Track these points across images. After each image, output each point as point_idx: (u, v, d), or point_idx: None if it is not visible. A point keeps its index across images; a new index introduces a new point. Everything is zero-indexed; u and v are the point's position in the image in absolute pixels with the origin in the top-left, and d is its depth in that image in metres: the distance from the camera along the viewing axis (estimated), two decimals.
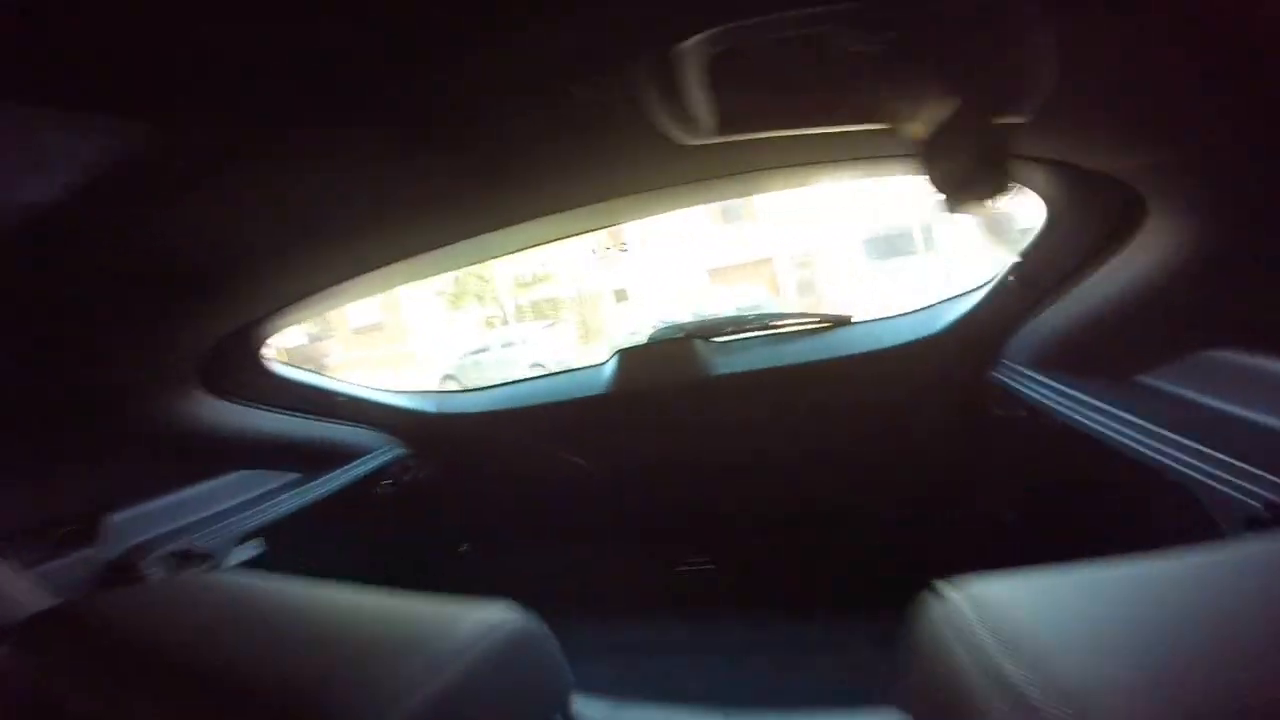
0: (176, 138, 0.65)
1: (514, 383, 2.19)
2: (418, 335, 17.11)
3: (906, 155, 1.06)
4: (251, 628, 0.77)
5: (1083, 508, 1.46)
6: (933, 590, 0.50)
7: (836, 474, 1.79)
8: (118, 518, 1.37)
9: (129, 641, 0.80)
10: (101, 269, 0.96)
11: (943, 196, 0.52)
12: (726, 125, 0.47)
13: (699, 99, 0.44)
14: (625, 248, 15.46)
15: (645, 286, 15.42)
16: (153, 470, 1.51)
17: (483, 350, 13.42)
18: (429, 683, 0.59)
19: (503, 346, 13.16)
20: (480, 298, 16.93)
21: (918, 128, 0.46)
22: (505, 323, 16.43)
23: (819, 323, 1.80)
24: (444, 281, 16.26)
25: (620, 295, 16.11)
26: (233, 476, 1.65)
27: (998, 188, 0.45)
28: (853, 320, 1.78)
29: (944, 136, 0.44)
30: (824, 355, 1.71)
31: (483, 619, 0.62)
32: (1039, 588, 0.47)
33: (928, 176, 0.51)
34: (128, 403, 1.36)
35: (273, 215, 0.94)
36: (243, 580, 0.93)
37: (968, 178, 0.46)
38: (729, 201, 14.13)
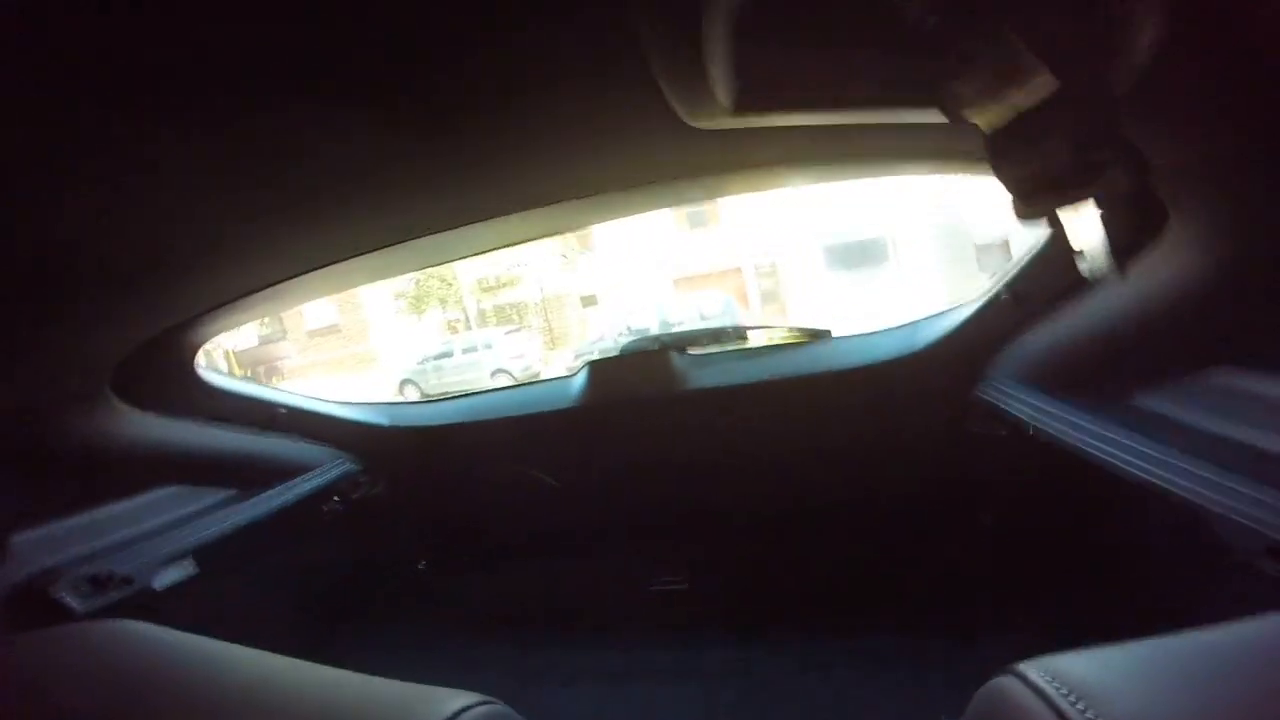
0: (89, 111, 0.53)
1: (475, 394, 2.08)
2: (377, 338, 16.72)
3: (957, 150, 1.00)
4: (166, 705, 0.64)
5: (1073, 530, 1.43)
6: (1008, 670, 0.44)
7: (815, 492, 1.74)
8: (26, 537, 1.22)
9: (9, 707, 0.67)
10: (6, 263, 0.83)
11: (1015, 202, 0.44)
12: (743, 106, 0.38)
13: (715, 72, 0.36)
14: (597, 252, 15.39)
15: (612, 292, 15.38)
16: (69, 488, 1.36)
17: (444, 355, 13.17)
18: None
19: (465, 351, 12.93)
20: (443, 301, 16.60)
21: (985, 117, 0.38)
22: (468, 327, 16.13)
23: (798, 337, 1.74)
24: (405, 284, 15.91)
25: (588, 300, 16.03)
26: (161, 493, 1.50)
27: (1090, 189, 0.37)
28: (832, 335, 1.73)
29: (1026, 127, 0.37)
30: (803, 370, 1.66)
31: (441, 711, 0.52)
32: (1123, 663, 0.42)
33: (998, 176, 0.43)
34: (39, 414, 1.21)
35: (206, 202, 0.81)
36: (160, 638, 0.79)
37: (1053, 178, 0.38)
38: (694, 208, 14.26)
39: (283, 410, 1.69)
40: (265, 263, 1.12)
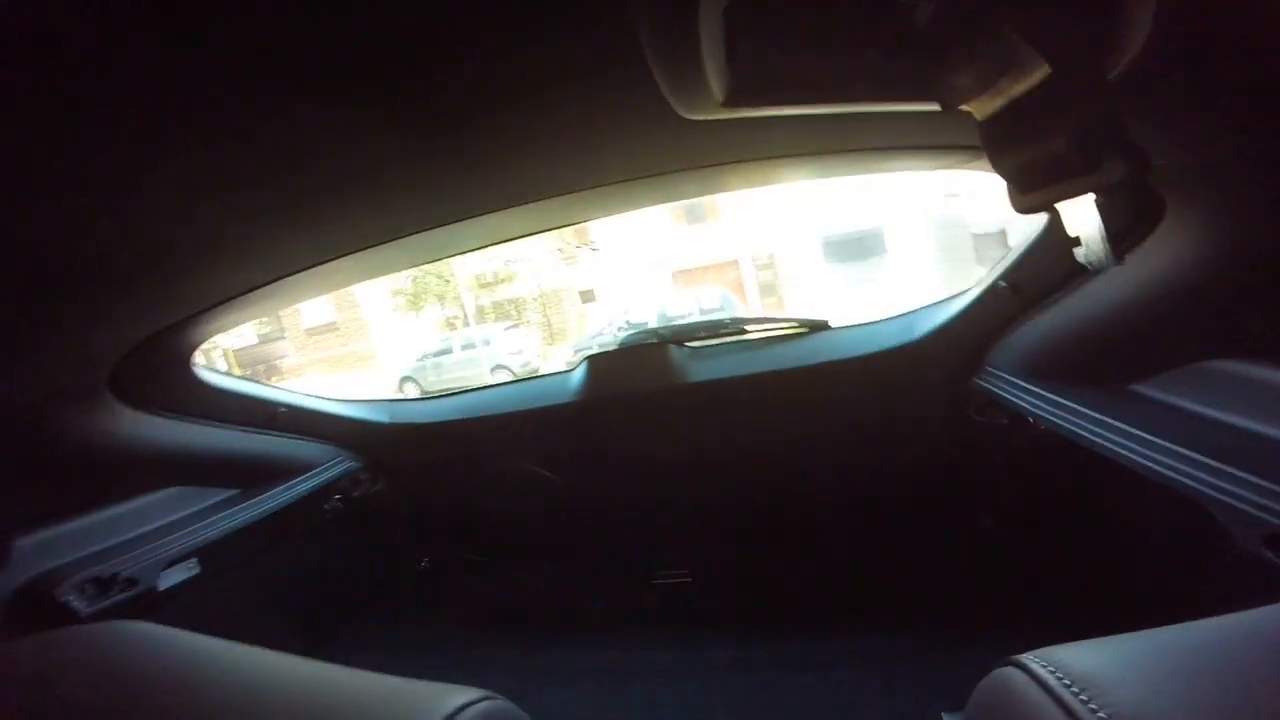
0: (90, 111, 0.53)
1: (475, 390, 2.08)
2: (375, 336, 16.69)
3: (953, 144, 1.00)
4: (171, 703, 0.65)
5: (1072, 521, 1.43)
6: (1010, 661, 0.45)
7: (813, 484, 1.74)
8: (30, 540, 1.23)
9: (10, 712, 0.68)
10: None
11: (1012, 193, 0.44)
12: (734, 98, 0.38)
13: (709, 62, 0.35)
14: (595, 247, 15.37)
15: (610, 287, 15.37)
16: (71, 490, 1.36)
17: (443, 352, 13.16)
18: None
19: (464, 348, 12.93)
20: (441, 298, 16.56)
21: (981, 106, 0.38)
22: (466, 323, 16.11)
23: (796, 328, 1.75)
24: (402, 281, 15.88)
25: (586, 296, 16.03)
26: (163, 494, 1.51)
27: (1088, 179, 0.37)
28: (830, 325, 1.73)
29: (1021, 117, 0.36)
30: (801, 361, 1.66)
31: (444, 707, 0.52)
32: (1124, 654, 0.42)
33: (994, 166, 0.43)
34: (37, 415, 1.21)
35: (205, 201, 0.81)
36: (165, 638, 0.79)
37: (1050, 168, 0.38)
38: (692, 202, 14.25)
39: (282, 409, 1.69)
40: (263, 261, 1.12)
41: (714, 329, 1.83)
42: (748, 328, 1.81)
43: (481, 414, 1.91)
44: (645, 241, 14.71)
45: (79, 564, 1.25)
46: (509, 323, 14.83)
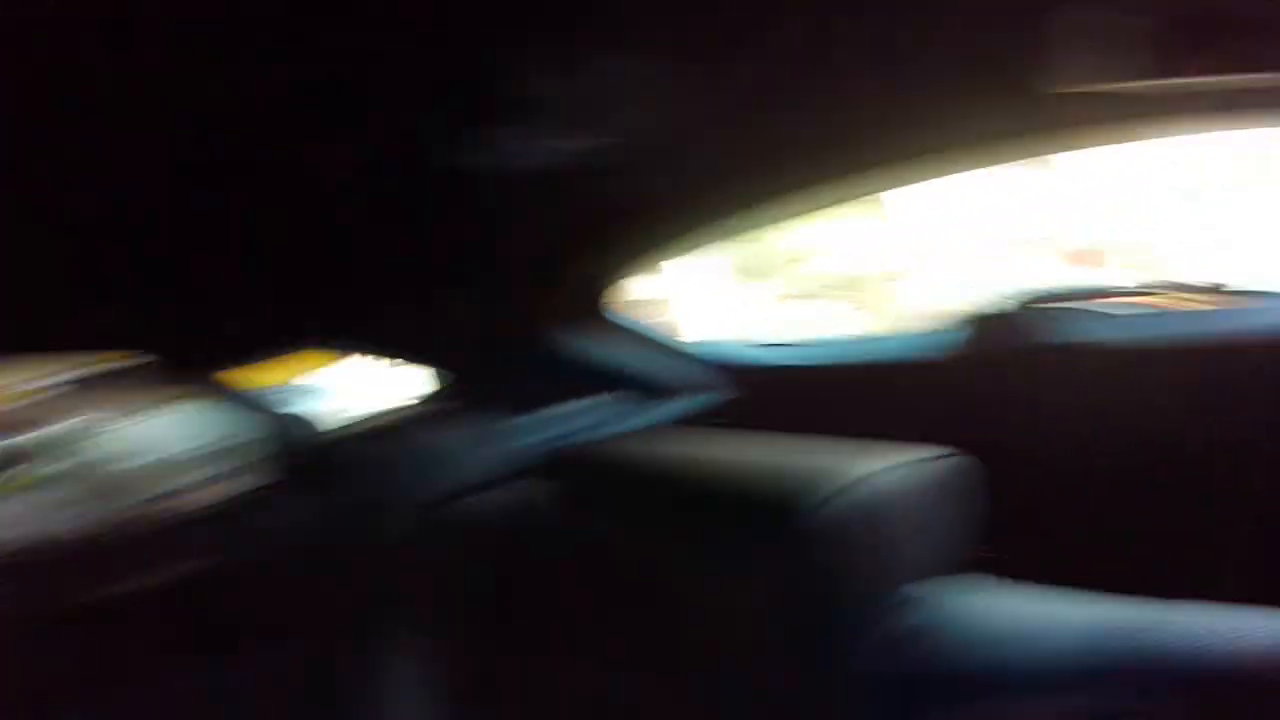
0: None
1: (842, 341, 2.20)
2: (687, 311, 17.83)
3: None
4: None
5: None
6: None
7: (1212, 479, 1.43)
8: (509, 423, 1.66)
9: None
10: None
11: None
12: (1120, 72, 0.44)
13: (1088, 37, 0.42)
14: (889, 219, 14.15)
15: (943, 264, 13.94)
16: (529, 389, 1.81)
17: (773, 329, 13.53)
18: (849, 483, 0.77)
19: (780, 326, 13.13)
20: (759, 274, 16.92)
21: None
22: (786, 300, 16.23)
23: (1210, 294, 1.47)
24: (721, 256, 16.64)
25: (904, 274, 14.82)
26: (592, 399, 1.90)
27: None
28: (1259, 293, 1.42)
29: None
30: (1213, 334, 1.39)
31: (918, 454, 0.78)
32: None
33: None
34: (519, 335, 1.69)
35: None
36: None
37: None
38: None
39: (666, 346, 2.07)
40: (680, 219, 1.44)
41: (1101, 293, 1.64)
42: (1146, 293, 1.58)
43: (848, 362, 2.02)
44: (1028, 215, 12.92)
45: (534, 447, 1.63)
46: (833, 301, 14.55)
